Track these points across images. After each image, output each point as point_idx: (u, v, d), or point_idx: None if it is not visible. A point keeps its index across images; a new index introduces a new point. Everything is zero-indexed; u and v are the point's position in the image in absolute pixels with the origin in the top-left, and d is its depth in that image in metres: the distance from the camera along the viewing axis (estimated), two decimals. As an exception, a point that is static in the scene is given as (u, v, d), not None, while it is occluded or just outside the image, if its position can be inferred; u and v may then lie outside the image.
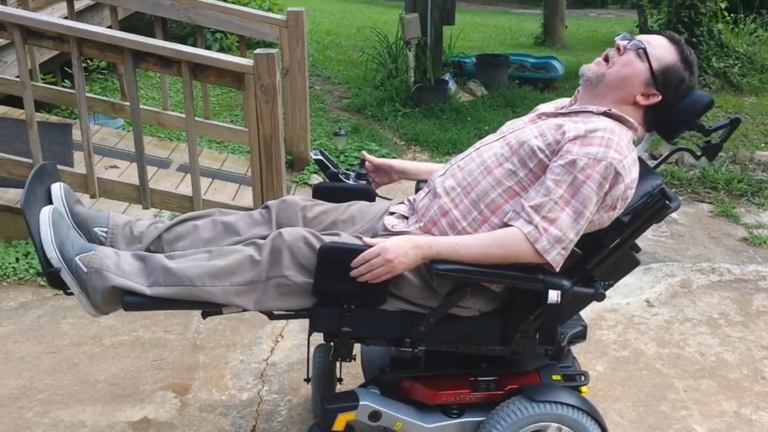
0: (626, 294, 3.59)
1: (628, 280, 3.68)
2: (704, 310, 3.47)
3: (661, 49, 1.92)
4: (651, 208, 1.88)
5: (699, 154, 2.09)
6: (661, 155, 5.52)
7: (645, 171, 2.01)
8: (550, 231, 1.77)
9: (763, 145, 5.87)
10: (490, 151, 1.96)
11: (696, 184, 4.98)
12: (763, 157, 5.43)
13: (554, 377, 2.14)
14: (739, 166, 5.29)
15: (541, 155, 1.84)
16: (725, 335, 3.25)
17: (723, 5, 7.73)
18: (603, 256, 1.91)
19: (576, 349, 2.38)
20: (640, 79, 1.91)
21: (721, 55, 7.60)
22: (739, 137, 6.03)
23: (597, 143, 1.79)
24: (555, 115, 1.98)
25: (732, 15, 8.16)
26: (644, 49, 1.91)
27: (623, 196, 1.83)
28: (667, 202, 1.86)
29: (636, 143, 2.04)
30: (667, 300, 3.55)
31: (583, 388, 2.15)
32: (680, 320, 3.37)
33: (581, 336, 2.19)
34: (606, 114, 1.90)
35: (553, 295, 1.82)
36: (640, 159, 2.03)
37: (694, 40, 7.36)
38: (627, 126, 1.92)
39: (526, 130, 1.93)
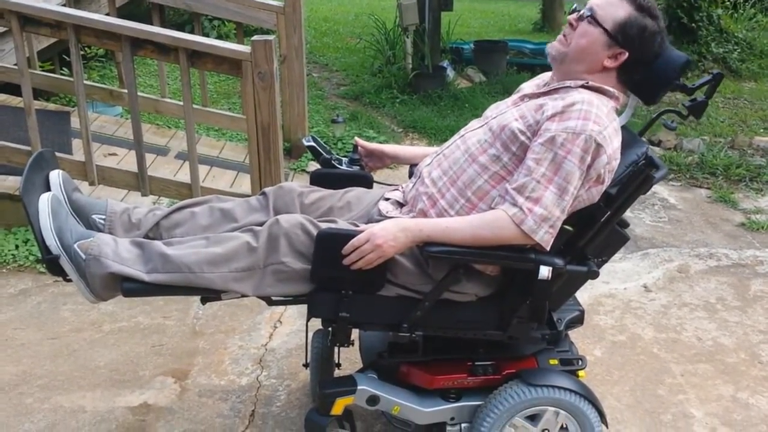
0: (624, 279, 3.60)
1: (625, 265, 3.72)
2: (702, 295, 3.48)
3: (610, 8, 1.87)
4: (636, 178, 1.85)
5: (686, 113, 2.07)
6: (660, 141, 5.52)
7: (630, 139, 2.00)
8: (535, 211, 1.77)
9: (761, 130, 5.88)
10: (474, 137, 1.96)
11: (694, 170, 4.99)
12: (761, 143, 5.43)
13: (552, 362, 2.15)
14: (738, 152, 5.30)
15: (523, 138, 1.84)
16: (722, 320, 3.27)
17: (722, -10, 7.72)
18: (595, 231, 1.90)
19: (573, 334, 2.39)
20: (600, 44, 1.87)
21: (720, 40, 7.59)
22: (737, 123, 6.04)
23: (575, 116, 1.77)
24: (536, 95, 1.97)
25: (731, 0, 8.14)
26: (592, 16, 1.88)
27: (608, 168, 1.82)
28: (654, 170, 1.85)
29: (620, 112, 2.04)
30: (664, 285, 3.57)
31: (581, 373, 2.17)
32: (678, 305, 3.38)
33: (578, 321, 2.20)
34: (584, 86, 1.89)
35: (544, 271, 1.82)
36: (624, 127, 2.02)
37: (693, 25, 7.35)
38: (607, 96, 1.90)
39: (507, 114, 1.93)
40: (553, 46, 1.95)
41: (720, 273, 3.71)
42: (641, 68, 1.91)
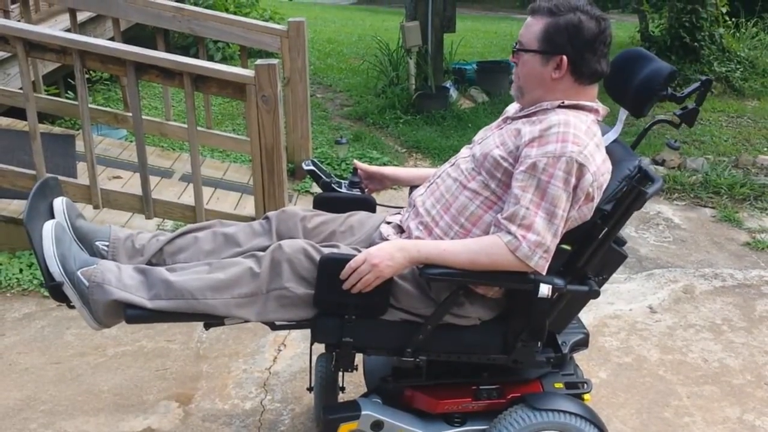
0: (629, 300, 3.59)
1: (630, 285, 3.71)
2: (707, 315, 3.47)
3: (529, 30, 1.91)
4: (629, 195, 1.85)
5: (678, 122, 2.07)
6: (663, 160, 5.52)
7: (623, 153, 2.00)
8: (528, 237, 1.77)
9: (765, 149, 5.87)
10: (463, 165, 1.98)
11: (698, 189, 4.97)
12: (765, 161, 5.42)
13: (557, 385, 2.14)
14: (742, 171, 5.29)
15: (505, 164, 1.86)
16: (728, 341, 3.25)
17: (724, 10, 7.75)
18: (593, 249, 1.90)
19: (579, 356, 2.38)
20: (538, 64, 1.90)
21: (722, 59, 7.61)
22: (741, 141, 6.03)
23: (553, 140, 1.78)
24: (516, 118, 1.98)
25: (733, 19, 8.18)
26: (519, 46, 1.93)
27: (595, 185, 1.82)
28: (648, 183, 1.83)
29: (607, 122, 2.04)
30: (669, 306, 3.55)
31: (586, 396, 2.16)
32: (683, 326, 3.36)
33: (583, 344, 2.19)
34: (561, 106, 1.90)
35: (544, 289, 1.82)
36: (617, 141, 2.03)
37: (695, 44, 7.38)
38: (585, 110, 1.91)
39: (489, 140, 1.96)
40: (512, 87, 2.01)
41: (725, 293, 3.69)
42: (588, 56, 1.89)
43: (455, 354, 2.02)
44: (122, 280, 1.82)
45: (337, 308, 1.88)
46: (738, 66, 7.66)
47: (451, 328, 1.95)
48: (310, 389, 2.41)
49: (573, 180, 1.78)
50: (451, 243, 1.86)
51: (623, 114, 2.07)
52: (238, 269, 1.85)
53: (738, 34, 8.24)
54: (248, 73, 3.32)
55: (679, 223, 4.55)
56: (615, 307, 3.51)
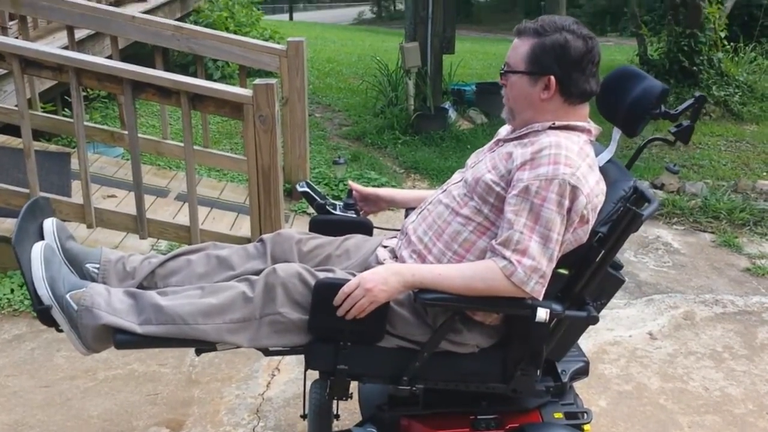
0: (629, 326, 3.54)
1: (630, 311, 3.67)
2: (708, 343, 3.42)
3: (516, 51, 1.88)
4: (624, 217, 1.80)
5: (672, 139, 2.04)
6: (663, 184, 5.48)
7: (617, 173, 1.96)
8: (523, 262, 1.73)
9: (765, 173, 5.85)
10: (455, 191, 1.95)
11: (698, 214, 4.94)
12: (765, 186, 5.40)
13: (556, 415, 2.09)
14: (741, 196, 5.26)
15: (498, 188, 1.82)
16: (729, 369, 3.20)
17: (723, 34, 7.77)
18: (591, 272, 1.85)
19: (578, 384, 2.33)
20: (526, 85, 1.87)
21: (721, 83, 7.62)
22: (740, 166, 6.02)
23: (545, 162, 1.75)
24: (508, 140, 1.95)
25: (732, 44, 8.20)
26: (507, 68, 1.90)
27: (590, 207, 1.78)
28: (644, 204, 1.80)
29: (602, 142, 2.01)
30: (670, 332, 3.50)
31: (586, 427, 2.10)
32: (684, 353, 3.32)
33: (583, 372, 2.14)
34: (552, 128, 1.87)
35: (542, 314, 1.78)
36: (611, 161, 2.00)
37: (694, 68, 7.39)
38: (577, 131, 1.88)
39: (480, 165, 1.93)
40: (504, 109, 1.98)
41: (726, 320, 3.64)
42: (576, 76, 1.86)
43: (453, 382, 1.97)
44: (112, 304, 1.77)
45: (332, 334, 1.84)
46: (737, 90, 7.67)
47: (449, 355, 1.91)
48: (303, 416, 2.35)
49: (566, 202, 1.74)
50: (446, 267, 1.82)
51: (617, 133, 2.03)
52: (231, 294, 1.80)
53: (736, 59, 8.26)
54: (245, 92, 3.29)
55: (678, 247, 4.52)
56: (614, 333, 3.47)
